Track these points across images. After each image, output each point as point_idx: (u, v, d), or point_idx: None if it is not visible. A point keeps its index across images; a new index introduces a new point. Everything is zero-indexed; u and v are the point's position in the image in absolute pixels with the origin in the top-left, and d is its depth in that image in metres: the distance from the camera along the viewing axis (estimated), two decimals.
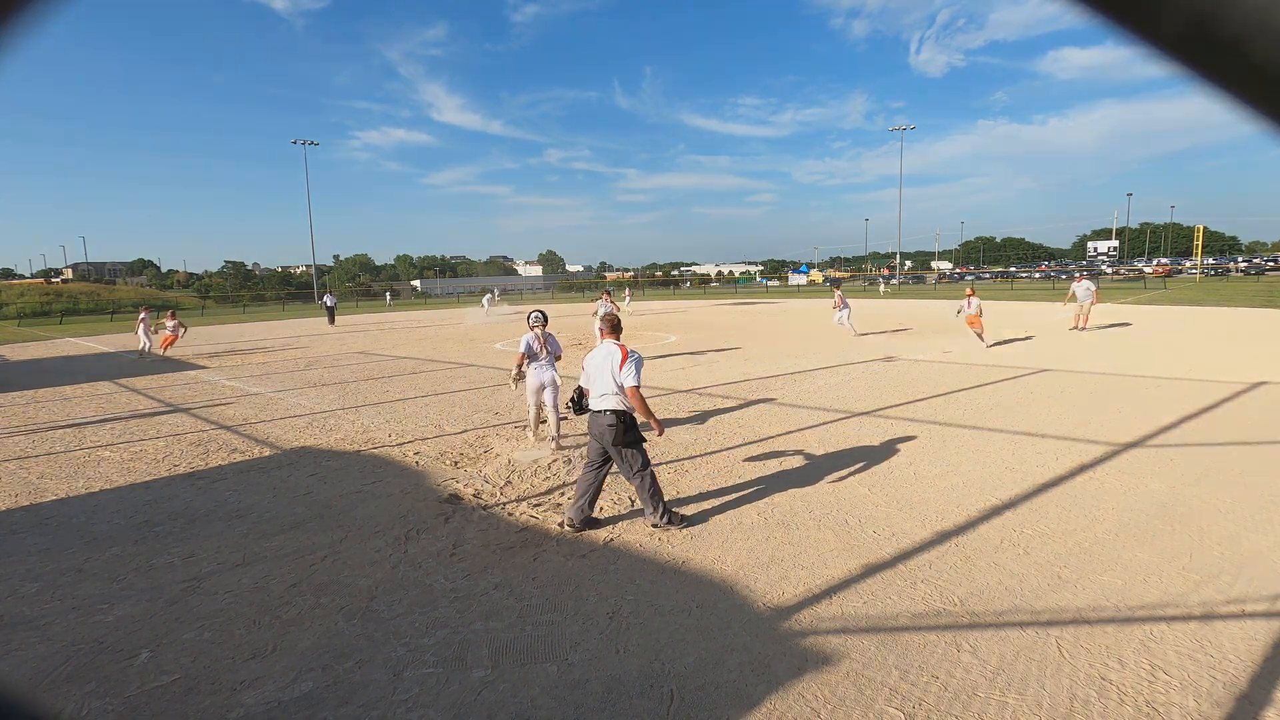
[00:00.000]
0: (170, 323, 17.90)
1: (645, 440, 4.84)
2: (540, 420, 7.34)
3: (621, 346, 4.80)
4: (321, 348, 20.14)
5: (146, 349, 17.47)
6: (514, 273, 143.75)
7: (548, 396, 6.98)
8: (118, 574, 4.36)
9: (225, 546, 4.76)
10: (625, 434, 4.68)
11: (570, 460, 6.61)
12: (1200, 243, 51.94)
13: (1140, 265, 74.88)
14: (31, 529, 5.27)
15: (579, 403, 5.03)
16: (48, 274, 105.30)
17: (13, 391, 13.01)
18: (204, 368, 16.02)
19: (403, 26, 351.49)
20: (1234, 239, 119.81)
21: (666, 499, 4.97)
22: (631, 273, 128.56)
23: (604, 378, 4.73)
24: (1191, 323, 18.63)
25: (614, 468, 4.87)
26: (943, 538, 4.51)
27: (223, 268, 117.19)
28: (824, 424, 7.83)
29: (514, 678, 3.10)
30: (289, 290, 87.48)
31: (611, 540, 4.66)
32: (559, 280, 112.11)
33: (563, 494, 5.65)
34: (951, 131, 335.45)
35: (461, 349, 18.12)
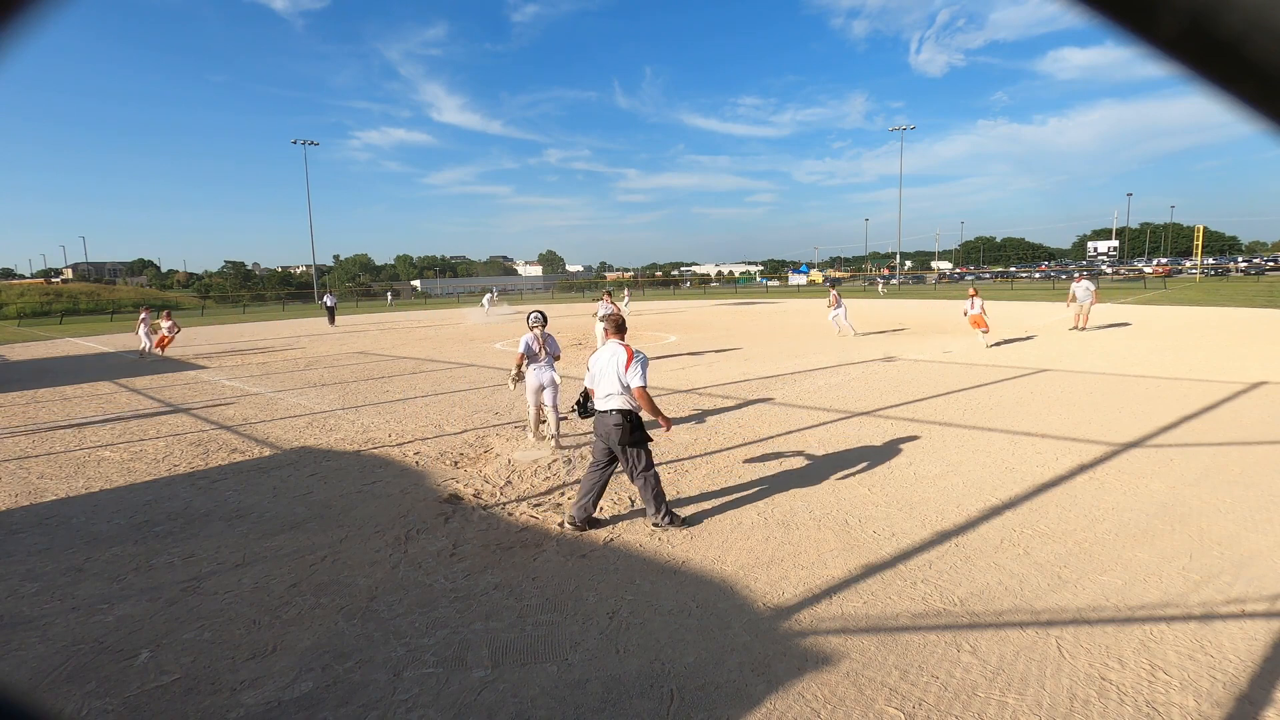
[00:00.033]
0: (165, 323, 17.96)
1: (651, 440, 4.84)
2: (540, 420, 7.35)
3: (627, 347, 4.81)
4: (321, 348, 20.15)
5: (147, 349, 17.53)
6: (514, 273, 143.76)
7: (547, 397, 7.00)
8: (118, 574, 4.36)
9: (225, 546, 4.76)
10: (632, 433, 4.70)
11: (570, 460, 6.62)
12: (1200, 243, 51.85)
13: (1140, 265, 74.99)
14: (31, 529, 5.27)
15: (584, 406, 5.04)
16: (48, 274, 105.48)
17: (13, 391, 13.02)
18: (204, 368, 16.03)
19: (402, 26, 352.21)
20: (1234, 239, 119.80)
21: (667, 499, 4.98)
22: (631, 273, 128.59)
23: (609, 378, 4.74)
24: (1191, 323, 18.62)
25: (618, 468, 4.88)
26: (943, 538, 4.51)
27: (223, 268, 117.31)
28: (824, 424, 7.83)
29: (514, 678, 3.10)
30: (289, 290, 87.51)
31: (611, 540, 4.66)
32: (559, 280, 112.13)
33: (563, 494, 5.65)
34: (951, 131, 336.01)
35: (461, 349, 18.12)
